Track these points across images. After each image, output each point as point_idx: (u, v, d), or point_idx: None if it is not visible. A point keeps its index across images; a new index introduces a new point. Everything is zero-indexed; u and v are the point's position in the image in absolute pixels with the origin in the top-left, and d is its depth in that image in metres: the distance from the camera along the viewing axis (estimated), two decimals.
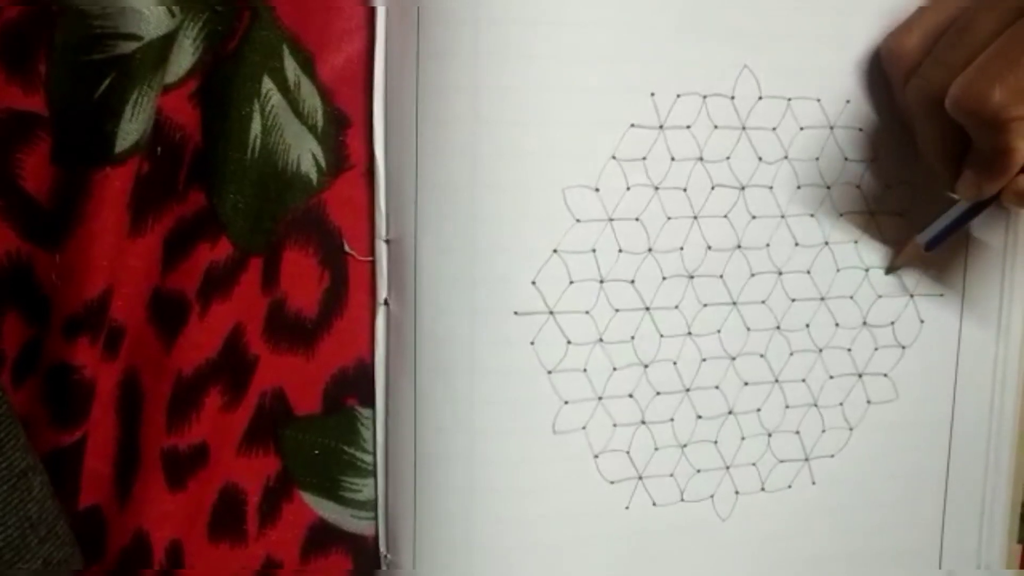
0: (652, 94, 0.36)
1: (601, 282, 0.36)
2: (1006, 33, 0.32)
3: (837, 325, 0.40)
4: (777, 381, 0.40)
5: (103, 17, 0.30)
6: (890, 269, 0.40)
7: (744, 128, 0.37)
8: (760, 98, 0.37)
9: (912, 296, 0.41)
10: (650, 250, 0.37)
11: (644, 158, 0.36)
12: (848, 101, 0.38)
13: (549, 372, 0.36)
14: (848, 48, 0.38)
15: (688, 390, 0.38)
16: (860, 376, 0.41)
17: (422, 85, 0.34)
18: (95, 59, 0.30)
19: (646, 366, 0.37)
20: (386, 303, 0.36)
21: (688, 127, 0.36)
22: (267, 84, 0.34)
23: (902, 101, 0.37)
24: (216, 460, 0.35)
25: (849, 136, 0.39)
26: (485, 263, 0.35)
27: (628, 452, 0.38)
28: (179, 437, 0.34)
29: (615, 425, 0.37)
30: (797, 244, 0.39)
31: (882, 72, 0.38)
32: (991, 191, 0.35)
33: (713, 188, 0.37)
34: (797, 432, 0.40)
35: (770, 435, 0.40)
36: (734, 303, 0.38)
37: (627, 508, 0.38)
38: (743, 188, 0.38)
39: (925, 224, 0.39)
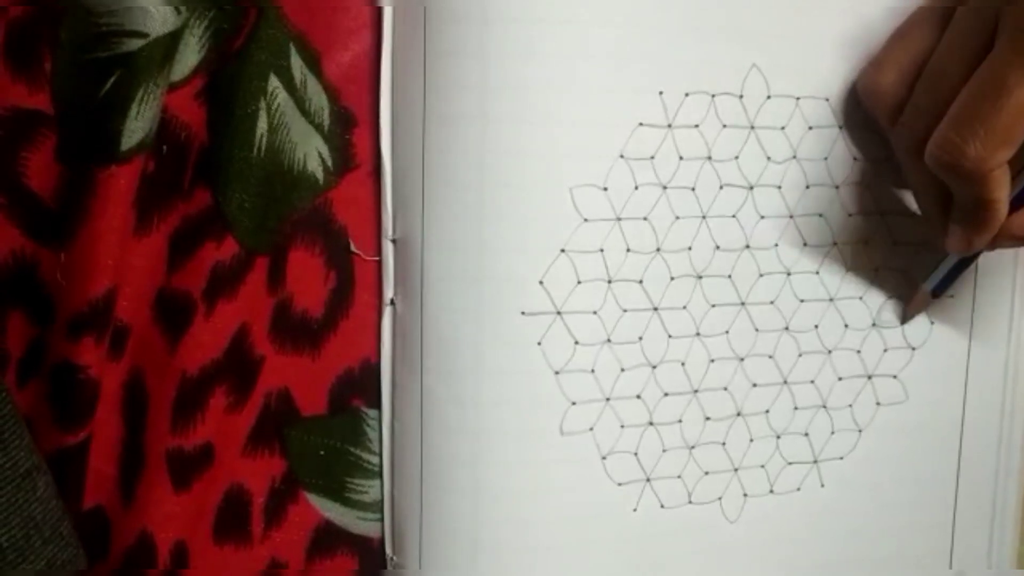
0: (660, 93, 0.35)
1: (609, 282, 0.36)
2: (971, 81, 0.31)
3: (846, 326, 0.40)
4: (786, 382, 0.39)
5: (109, 15, 0.30)
6: (905, 318, 0.40)
7: (753, 127, 0.37)
8: (769, 97, 0.37)
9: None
10: (658, 250, 0.37)
11: (652, 157, 0.36)
12: (857, 100, 0.38)
13: (556, 373, 0.36)
14: (857, 47, 0.37)
15: (696, 391, 0.38)
16: (870, 377, 0.40)
17: (429, 84, 0.34)
18: (100, 57, 0.30)
19: (654, 367, 0.37)
20: (392, 303, 0.36)
21: (696, 126, 0.36)
22: (273, 82, 0.33)
23: (892, 142, 0.36)
24: (221, 461, 0.35)
25: (858, 136, 0.38)
26: (492, 263, 0.35)
27: (636, 453, 0.37)
28: (184, 438, 0.34)
29: (623, 426, 0.37)
30: (806, 244, 0.39)
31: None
32: (980, 245, 0.34)
33: (721, 187, 0.37)
34: (806, 434, 0.40)
35: (779, 437, 0.40)
36: (742, 303, 0.38)
37: (635, 510, 0.38)
38: (752, 188, 0.37)
39: (915, 253, 0.39)
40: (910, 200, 0.39)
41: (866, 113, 0.37)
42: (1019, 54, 0.30)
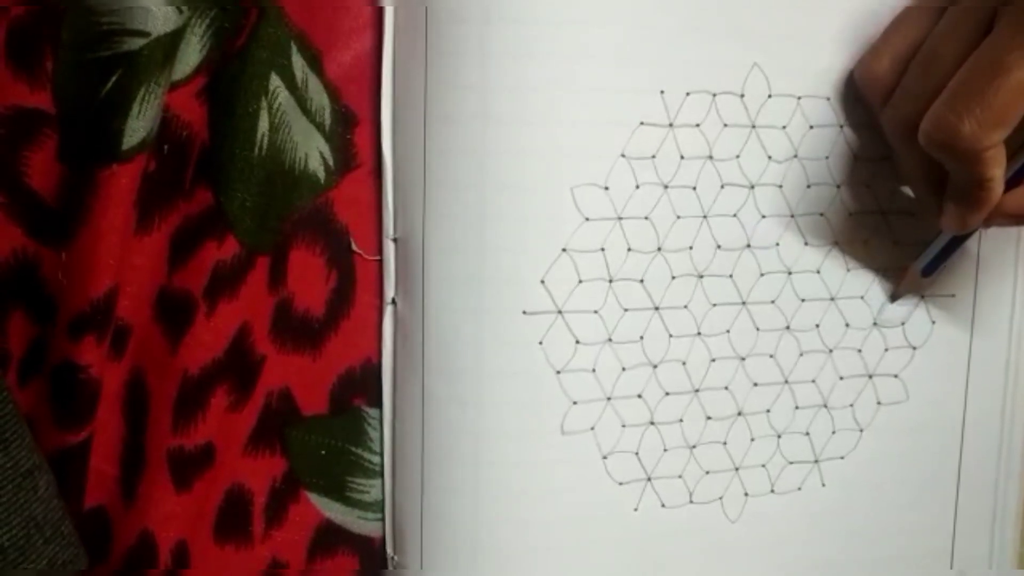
0: (661, 92, 0.35)
1: (610, 281, 0.36)
2: (968, 61, 0.31)
3: (847, 325, 0.40)
4: (787, 382, 0.39)
5: (110, 14, 0.30)
6: (895, 297, 0.40)
7: (754, 126, 0.37)
8: (770, 96, 0.37)
9: (923, 297, 0.41)
10: (659, 249, 0.37)
11: (653, 156, 0.36)
12: (858, 99, 0.38)
13: (558, 372, 0.36)
14: (857, 46, 0.37)
15: (697, 391, 0.38)
16: (871, 377, 0.40)
17: (430, 83, 0.34)
18: (102, 56, 0.30)
19: (655, 366, 0.37)
20: (393, 302, 0.36)
21: (698, 125, 0.36)
22: (275, 82, 0.33)
23: (883, 125, 0.36)
24: (222, 460, 0.35)
25: (859, 135, 0.38)
26: (493, 262, 0.35)
27: (637, 453, 0.37)
28: (185, 437, 0.34)
29: (624, 426, 0.37)
30: (807, 244, 0.39)
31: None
32: (975, 223, 0.34)
33: (723, 187, 0.37)
34: (807, 433, 0.40)
35: (780, 436, 0.40)
36: (743, 303, 0.38)
37: (636, 510, 0.38)
38: (753, 187, 0.37)
39: (920, 250, 0.39)
40: (911, 199, 0.39)
41: (864, 104, 0.37)
42: (1019, 35, 0.30)
